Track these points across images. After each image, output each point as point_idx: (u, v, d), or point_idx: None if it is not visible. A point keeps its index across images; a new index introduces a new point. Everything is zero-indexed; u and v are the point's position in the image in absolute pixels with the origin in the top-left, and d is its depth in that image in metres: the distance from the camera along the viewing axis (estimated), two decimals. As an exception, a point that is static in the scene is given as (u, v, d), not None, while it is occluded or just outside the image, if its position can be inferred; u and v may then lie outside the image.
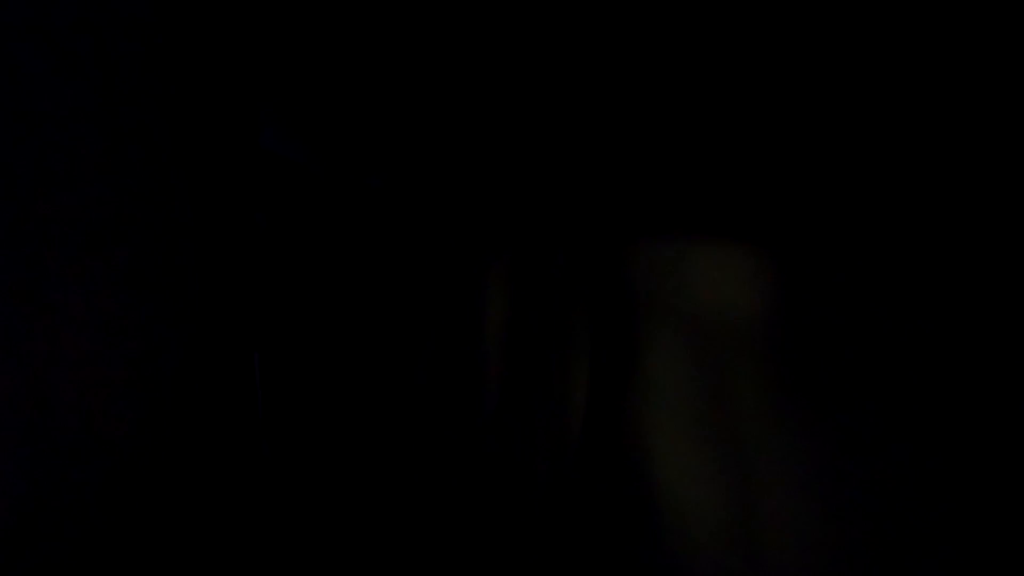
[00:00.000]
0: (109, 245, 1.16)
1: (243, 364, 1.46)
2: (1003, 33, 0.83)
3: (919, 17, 0.93)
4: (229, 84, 1.41)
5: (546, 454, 1.99)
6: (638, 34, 1.52)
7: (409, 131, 2.86)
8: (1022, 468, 0.83)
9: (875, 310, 1.02)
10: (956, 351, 0.90)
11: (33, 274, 1.06)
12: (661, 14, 1.43)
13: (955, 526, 0.91)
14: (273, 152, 3.16)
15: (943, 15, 0.90)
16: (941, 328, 0.92)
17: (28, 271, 1.06)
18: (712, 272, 1.36)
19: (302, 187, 2.54)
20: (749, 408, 1.29)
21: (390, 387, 3.05)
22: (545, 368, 2.01)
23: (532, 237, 2.06)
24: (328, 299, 3.60)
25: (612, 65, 1.64)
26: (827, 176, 1.10)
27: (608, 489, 1.73)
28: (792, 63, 1.15)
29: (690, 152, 1.42)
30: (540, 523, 2.00)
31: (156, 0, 1.20)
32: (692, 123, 1.41)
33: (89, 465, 1.11)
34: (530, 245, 2.08)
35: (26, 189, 1.05)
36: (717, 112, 1.34)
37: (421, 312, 2.88)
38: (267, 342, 2.36)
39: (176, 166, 1.28)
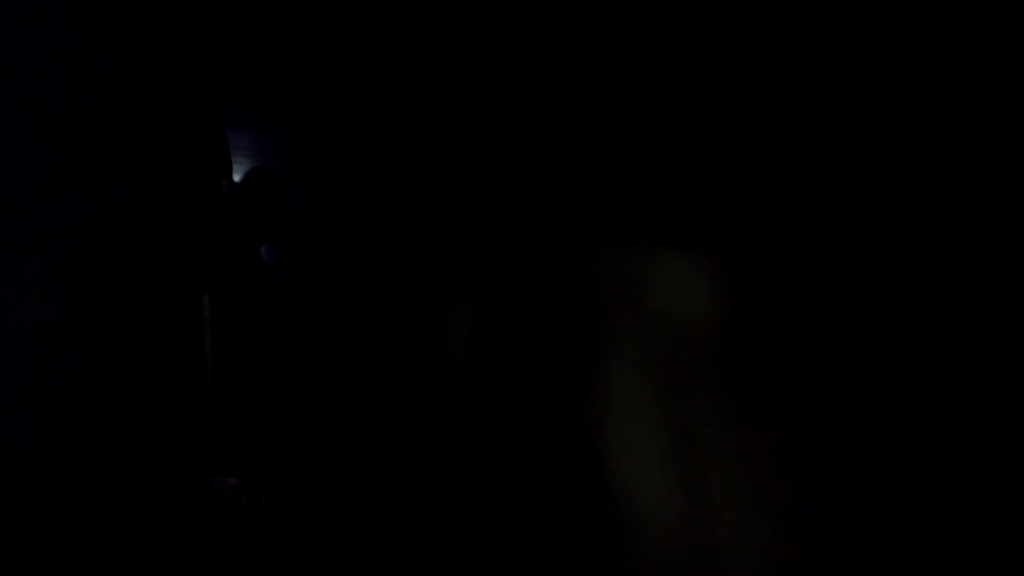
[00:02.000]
0: (43, 242, 1.10)
1: (192, 355, 1.40)
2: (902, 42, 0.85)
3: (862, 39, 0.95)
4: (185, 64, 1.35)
5: (508, 444, 1.99)
6: (600, 53, 1.53)
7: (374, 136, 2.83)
8: (976, 468, 0.84)
9: (829, 315, 1.03)
10: (910, 354, 0.92)
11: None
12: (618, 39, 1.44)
13: (907, 526, 0.93)
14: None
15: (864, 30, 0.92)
16: (894, 332, 0.94)
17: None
18: (669, 277, 1.38)
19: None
20: (703, 408, 1.30)
21: (355, 383, 3.00)
22: (508, 366, 2.01)
23: (498, 244, 2.06)
24: (291, 299, 3.53)
25: (575, 79, 1.65)
26: (780, 184, 1.12)
27: (564, 478, 1.73)
28: (745, 83, 1.17)
29: (648, 165, 1.43)
30: (501, 505, 1.99)
31: None
32: (649, 139, 1.42)
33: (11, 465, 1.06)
34: (496, 250, 2.07)
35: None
36: (672, 127, 1.35)
37: (390, 312, 2.84)
38: (222, 346, 2.29)
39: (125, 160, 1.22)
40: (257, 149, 3.58)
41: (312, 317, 3.36)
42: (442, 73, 2.07)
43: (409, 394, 2.65)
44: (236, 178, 2.96)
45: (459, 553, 2.01)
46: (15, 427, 1.07)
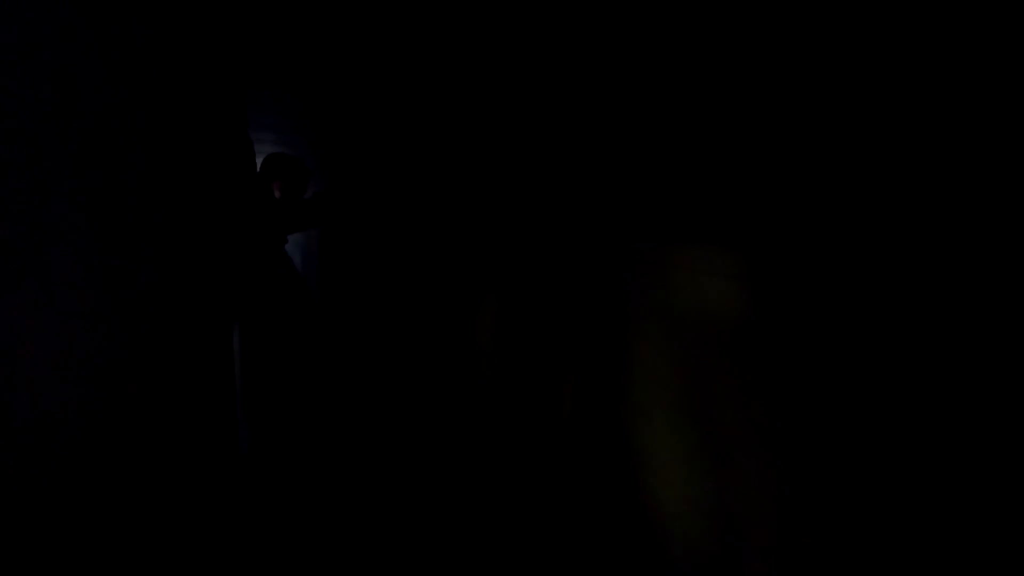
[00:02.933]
0: (76, 227, 1.13)
1: (220, 350, 1.44)
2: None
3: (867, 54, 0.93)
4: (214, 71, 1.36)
5: (535, 440, 2.01)
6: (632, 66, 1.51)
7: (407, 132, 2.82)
8: (981, 470, 0.84)
9: (846, 316, 1.03)
10: (923, 358, 0.91)
11: None
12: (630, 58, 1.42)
13: (916, 526, 0.93)
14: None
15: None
16: (909, 335, 0.93)
17: None
18: (695, 280, 1.37)
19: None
20: (727, 406, 1.30)
21: (385, 380, 3.04)
22: (537, 364, 2.02)
23: (528, 247, 2.06)
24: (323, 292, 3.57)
25: (610, 77, 1.63)
26: (800, 190, 1.10)
27: (591, 473, 1.76)
28: (763, 98, 1.15)
29: (673, 175, 1.42)
30: (529, 500, 2.02)
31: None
32: (674, 147, 1.41)
33: (42, 447, 1.09)
34: (526, 253, 2.08)
35: None
36: (693, 136, 1.33)
37: (420, 305, 2.86)
38: (248, 326, 2.33)
39: (152, 146, 1.24)
40: (281, 142, 3.59)
41: (338, 312, 3.40)
42: (476, 70, 2.05)
43: (436, 391, 2.68)
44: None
45: (487, 549, 2.06)
46: (50, 421, 1.11)
